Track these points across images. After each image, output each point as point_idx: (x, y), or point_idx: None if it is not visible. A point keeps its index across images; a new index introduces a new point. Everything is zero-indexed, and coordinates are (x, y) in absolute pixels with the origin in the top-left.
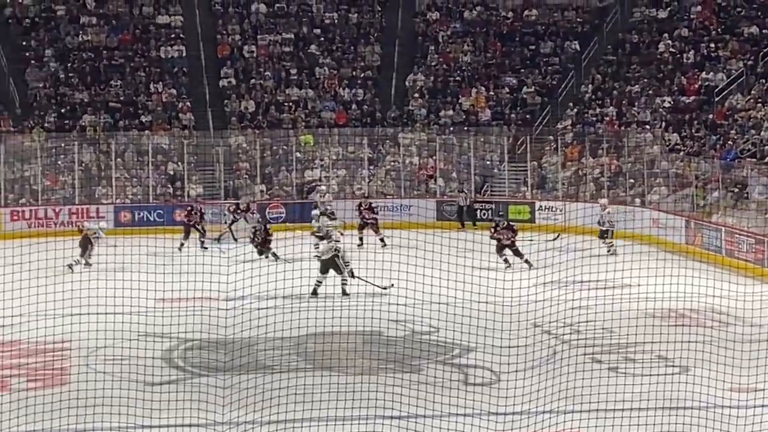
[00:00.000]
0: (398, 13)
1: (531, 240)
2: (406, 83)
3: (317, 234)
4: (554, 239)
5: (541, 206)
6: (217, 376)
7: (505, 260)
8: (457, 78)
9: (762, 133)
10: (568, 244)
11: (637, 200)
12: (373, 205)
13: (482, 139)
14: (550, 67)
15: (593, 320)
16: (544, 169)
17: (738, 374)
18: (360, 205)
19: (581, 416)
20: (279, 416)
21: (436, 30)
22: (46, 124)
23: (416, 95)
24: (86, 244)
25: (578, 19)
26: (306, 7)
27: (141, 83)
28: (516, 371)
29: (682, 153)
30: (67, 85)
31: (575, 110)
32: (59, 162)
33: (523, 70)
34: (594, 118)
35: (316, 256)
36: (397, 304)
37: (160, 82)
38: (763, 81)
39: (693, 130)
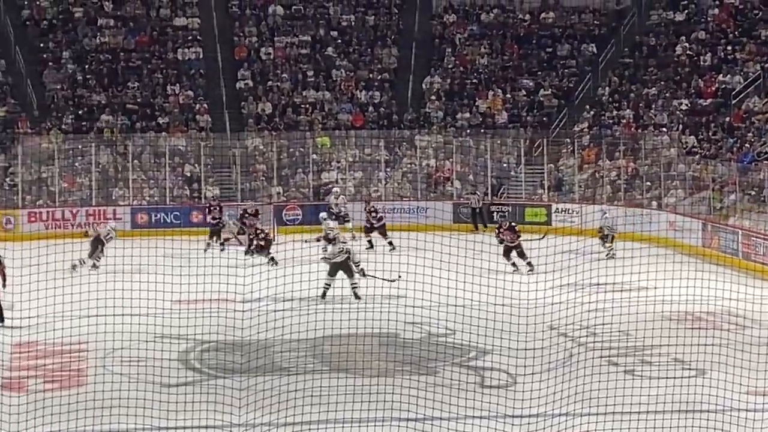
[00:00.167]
0: (415, 16)
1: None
2: (423, 85)
3: (327, 237)
4: (540, 239)
5: (557, 209)
6: (233, 377)
7: (513, 264)
8: (474, 80)
9: None
10: (584, 247)
11: (654, 203)
12: (377, 207)
13: (499, 142)
14: (567, 70)
15: (609, 323)
16: (561, 171)
17: (755, 377)
18: (365, 208)
19: (597, 419)
20: (295, 418)
21: (453, 32)
22: (63, 126)
23: (433, 97)
24: (97, 245)
25: (595, 22)
26: (323, 10)
27: (158, 85)
28: (532, 374)
29: (699, 156)
30: (85, 86)
31: (592, 113)
32: (76, 163)
33: (540, 73)
34: (611, 121)
35: (325, 258)
36: (414, 307)
37: (177, 84)
38: None
39: (710, 133)
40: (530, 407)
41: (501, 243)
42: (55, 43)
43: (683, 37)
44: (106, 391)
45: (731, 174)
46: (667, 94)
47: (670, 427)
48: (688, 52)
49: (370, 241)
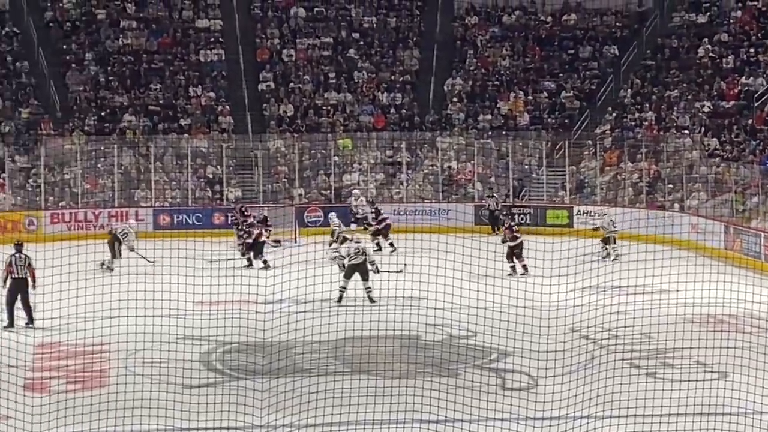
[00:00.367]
0: (437, 18)
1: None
2: (445, 87)
3: (337, 237)
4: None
5: (579, 211)
6: (255, 379)
7: (512, 268)
8: (496, 82)
9: None
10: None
11: (676, 205)
12: (380, 209)
13: (520, 144)
14: (588, 72)
15: (631, 325)
16: (583, 173)
17: None
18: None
19: (619, 421)
20: (316, 419)
21: (475, 34)
22: (86, 127)
23: (455, 99)
24: (113, 243)
25: (617, 24)
26: (345, 12)
27: (180, 87)
28: (554, 376)
29: (721, 158)
30: (107, 88)
31: (614, 115)
32: (99, 165)
33: (561, 75)
34: (633, 123)
35: (338, 257)
36: (435, 309)
37: (200, 86)
38: None
39: (732, 135)
40: (551, 410)
41: (503, 242)
42: (78, 44)
43: (705, 39)
44: (128, 392)
45: (754, 176)
46: (690, 97)
47: (692, 430)
48: (710, 54)
49: (378, 244)
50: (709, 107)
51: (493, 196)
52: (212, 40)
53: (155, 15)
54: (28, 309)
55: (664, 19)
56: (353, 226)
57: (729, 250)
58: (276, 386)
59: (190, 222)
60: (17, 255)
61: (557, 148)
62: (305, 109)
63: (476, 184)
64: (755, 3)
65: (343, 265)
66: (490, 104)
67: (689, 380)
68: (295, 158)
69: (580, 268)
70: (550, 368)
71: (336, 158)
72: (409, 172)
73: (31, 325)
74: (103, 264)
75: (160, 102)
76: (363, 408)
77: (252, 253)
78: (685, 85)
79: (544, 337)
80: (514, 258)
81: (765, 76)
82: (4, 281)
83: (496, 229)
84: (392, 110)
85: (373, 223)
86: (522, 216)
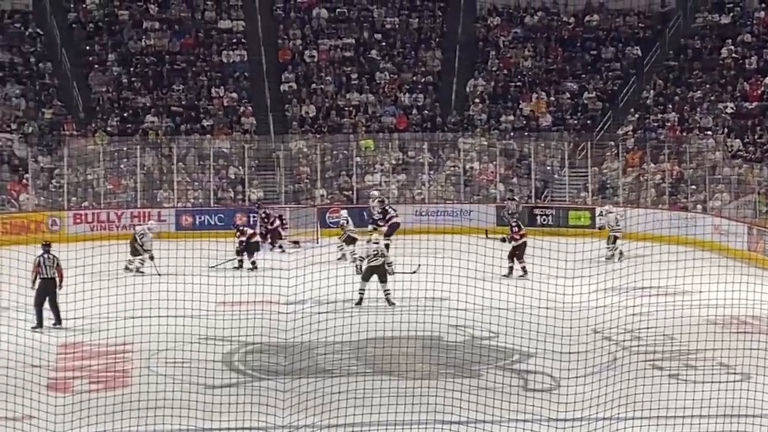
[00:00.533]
0: (459, 18)
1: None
2: (467, 88)
3: (348, 238)
4: (487, 239)
5: (601, 212)
6: (276, 379)
7: (510, 268)
8: (518, 83)
9: None
10: (629, 250)
11: (699, 206)
12: (386, 209)
13: (542, 145)
14: (611, 73)
15: (654, 327)
16: (605, 174)
17: None
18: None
19: (641, 423)
20: (338, 420)
21: (497, 35)
22: (108, 128)
23: (477, 100)
24: (134, 243)
25: (640, 25)
26: (367, 13)
27: (203, 87)
28: (576, 377)
29: (744, 159)
30: (130, 89)
31: (636, 116)
32: (122, 165)
33: (584, 76)
34: (655, 124)
35: (359, 258)
36: (457, 309)
37: (222, 87)
38: None
39: (755, 136)
40: (574, 411)
41: (504, 242)
42: (101, 45)
43: (729, 40)
44: (150, 392)
45: None
46: (712, 97)
47: None
48: (733, 54)
49: (387, 245)
50: (732, 108)
51: (513, 199)
52: (235, 40)
53: (178, 16)
54: (55, 310)
55: (687, 20)
56: (369, 227)
57: (752, 251)
58: (298, 387)
59: (212, 223)
60: (45, 255)
61: (579, 149)
62: (327, 109)
63: (498, 185)
64: None
65: (360, 267)
66: (512, 105)
67: (712, 382)
68: (317, 159)
69: (603, 269)
70: (573, 369)
71: (358, 159)
72: (431, 172)
73: (58, 326)
74: (128, 268)
75: (183, 103)
76: (385, 409)
77: (246, 254)
78: (708, 85)
79: (567, 339)
80: (515, 259)
81: None
82: (33, 282)
83: None
84: (414, 111)
85: (381, 224)
86: (544, 217)
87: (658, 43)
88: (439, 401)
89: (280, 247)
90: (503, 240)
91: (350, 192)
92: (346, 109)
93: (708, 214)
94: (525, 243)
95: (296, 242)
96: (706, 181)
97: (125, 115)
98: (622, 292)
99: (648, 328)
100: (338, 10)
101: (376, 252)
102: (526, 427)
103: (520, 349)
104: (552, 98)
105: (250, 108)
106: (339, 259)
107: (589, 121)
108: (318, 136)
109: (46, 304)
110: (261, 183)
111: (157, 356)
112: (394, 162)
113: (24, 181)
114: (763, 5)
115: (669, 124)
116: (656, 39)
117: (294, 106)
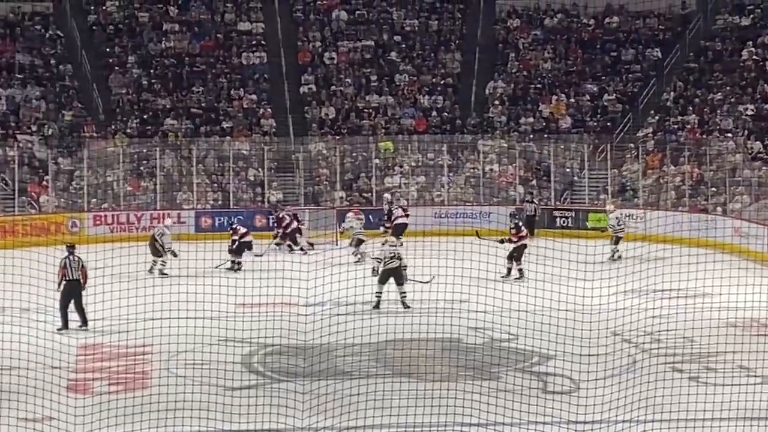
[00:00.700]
0: (479, 21)
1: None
2: (486, 90)
3: (358, 239)
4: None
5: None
6: (296, 381)
7: (508, 269)
8: (538, 85)
9: None
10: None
11: (719, 209)
12: (392, 210)
13: (562, 147)
14: (631, 75)
15: (673, 329)
16: (625, 177)
17: None
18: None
19: (661, 425)
20: (357, 422)
21: (517, 37)
22: (128, 130)
23: (496, 102)
24: (153, 243)
25: (660, 27)
26: (386, 15)
27: (222, 89)
28: (595, 380)
29: (763, 161)
30: (150, 91)
31: (656, 118)
32: (141, 167)
33: (604, 78)
34: (676, 126)
35: (377, 259)
36: (477, 311)
37: (242, 89)
38: None
39: None
40: (593, 413)
41: (502, 243)
42: (121, 47)
43: (749, 42)
44: (170, 394)
45: None
46: (733, 99)
47: None
48: (754, 56)
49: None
50: (752, 110)
51: (532, 201)
52: (254, 43)
53: (197, 18)
54: (81, 311)
55: (707, 22)
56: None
57: None
58: (317, 388)
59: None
60: (71, 257)
61: (599, 151)
62: (347, 111)
63: (518, 188)
64: None
65: (377, 270)
66: (532, 107)
67: (732, 384)
68: (336, 161)
69: (623, 271)
70: (592, 372)
71: (377, 161)
72: (451, 175)
73: (84, 327)
74: (152, 270)
75: (202, 105)
76: (404, 411)
77: (236, 254)
78: (728, 87)
79: (586, 341)
80: (513, 260)
81: None
82: (59, 284)
83: (533, 233)
84: (434, 113)
85: (387, 225)
86: (564, 219)
87: (679, 44)
88: (458, 403)
89: (301, 248)
90: (501, 241)
91: (369, 194)
92: (366, 111)
93: (728, 217)
94: (524, 245)
95: (311, 244)
96: (726, 184)
97: (145, 117)
98: (642, 294)
99: (668, 330)
100: (358, 12)
101: (392, 255)
102: (545, 430)
103: (540, 352)
104: (572, 100)
105: (269, 110)
106: (356, 262)
107: (608, 123)
108: (337, 138)
109: (71, 306)
110: (280, 185)
111: (177, 358)
112: (413, 164)
113: (44, 182)
114: None
115: (689, 126)
116: (676, 41)
117: (313, 108)
